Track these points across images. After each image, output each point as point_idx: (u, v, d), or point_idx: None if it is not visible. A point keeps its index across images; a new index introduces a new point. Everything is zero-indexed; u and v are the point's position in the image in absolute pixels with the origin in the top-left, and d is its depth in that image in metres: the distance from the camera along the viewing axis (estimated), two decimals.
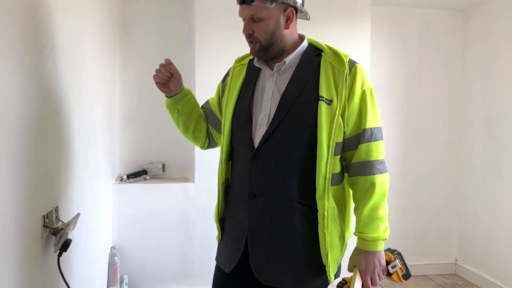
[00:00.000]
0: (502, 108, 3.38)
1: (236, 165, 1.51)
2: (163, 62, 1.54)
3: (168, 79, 1.55)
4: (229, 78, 1.58)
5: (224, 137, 1.51)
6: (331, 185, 1.39)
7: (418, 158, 3.83)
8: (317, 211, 1.39)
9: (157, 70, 1.54)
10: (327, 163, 1.36)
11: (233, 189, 1.51)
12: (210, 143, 1.73)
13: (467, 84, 3.78)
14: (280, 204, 1.40)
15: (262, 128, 1.41)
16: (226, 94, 1.55)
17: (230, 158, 1.54)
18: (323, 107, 1.36)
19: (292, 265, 1.40)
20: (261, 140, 1.40)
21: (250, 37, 1.41)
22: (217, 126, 1.66)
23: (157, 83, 1.56)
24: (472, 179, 3.71)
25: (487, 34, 3.54)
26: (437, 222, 3.88)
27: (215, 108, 1.66)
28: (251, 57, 1.56)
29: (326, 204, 1.37)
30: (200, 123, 1.67)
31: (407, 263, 1.50)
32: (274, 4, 1.37)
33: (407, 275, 1.46)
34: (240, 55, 1.63)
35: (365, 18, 3.32)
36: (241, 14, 1.42)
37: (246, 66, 1.56)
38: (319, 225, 1.39)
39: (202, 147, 1.74)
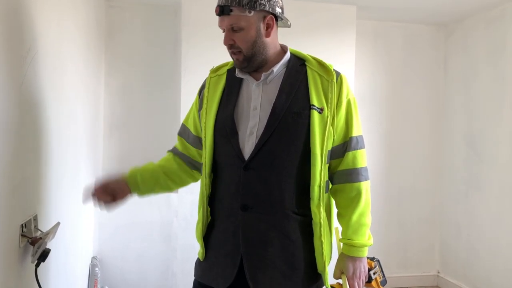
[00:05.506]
0: (482, 122, 3.44)
1: (222, 177, 1.45)
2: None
3: (111, 196, 1.50)
4: (205, 89, 1.53)
5: (206, 150, 1.45)
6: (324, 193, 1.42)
7: (401, 171, 3.87)
8: (311, 219, 1.40)
9: (98, 201, 1.49)
10: (321, 171, 1.38)
11: (220, 203, 1.45)
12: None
13: (449, 97, 3.85)
14: (274, 214, 1.38)
15: (252, 138, 1.39)
16: (204, 106, 1.50)
17: (214, 171, 1.48)
18: (315, 116, 1.38)
19: (288, 275, 1.39)
20: (253, 150, 1.37)
21: (232, 47, 1.40)
22: None
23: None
24: (454, 192, 3.76)
25: (468, 49, 3.62)
26: (419, 234, 3.91)
27: (194, 129, 1.58)
28: (228, 66, 1.54)
29: (322, 212, 1.39)
30: (173, 173, 1.58)
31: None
32: (252, 13, 1.36)
33: (384, 282, 1.53)
34: (215, 66, 1.60)
35: (350, 31, 3.37)
36: (220, 25, 1.40)
37: (224, 76, 1.53)
38: (315, 233, 1.40)
39: (196, 180, 1.66)
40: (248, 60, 1.41)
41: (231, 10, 1.35)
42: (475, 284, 3.48)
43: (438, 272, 3.92)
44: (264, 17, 1.40)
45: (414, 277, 3.87)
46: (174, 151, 1.64)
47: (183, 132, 1.63)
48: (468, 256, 3.56)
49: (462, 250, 3.63)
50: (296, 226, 1.40)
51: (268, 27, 1.41)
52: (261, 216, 1.38)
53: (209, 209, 1.48)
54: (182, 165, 1.61)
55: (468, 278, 3.56)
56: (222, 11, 1.36)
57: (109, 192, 1.51)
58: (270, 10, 1.39)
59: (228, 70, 1.53)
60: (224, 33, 1.41)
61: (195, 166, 1.62)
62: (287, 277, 1.39)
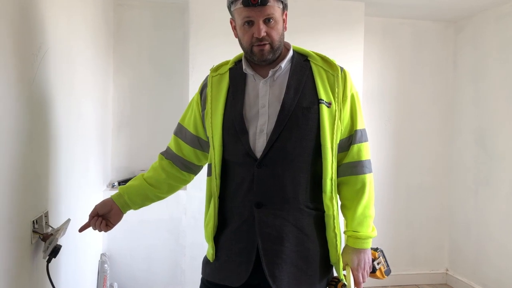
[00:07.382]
0: (492, 119, 3.41)
1: (233, 176, 1.44)
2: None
3: (103, 219, 1.52)
4: (208, 88, 1.50)
5: (215, 151, 1.43)
6: None
7: (409, 168, 3.85)
8: (323, 213, 1.42)
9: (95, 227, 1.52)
10: (332, 164, 1.39)
11: (231, 202, 1.44)
12: (196, 170, 1.66)
13: (458, 94, 3.82)
14: (289, 209, 1.39)
15: (263, 136, 1.39)
16: (209, 106, 1.48)
17: (222, 171, 1.47)
18: (324, 110, 1.39)
19: (304, 269, 1.40)
20: (265, 147, 1.37)
21: (263, 40, 1.37)
22: (204, 147, 1.58)
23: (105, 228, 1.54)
24: (463, 189, 3.73)
25: (478, 46, 3.59)
26: (428, 232, 3.89)
27: (194, 128, 1.57)
28: (229, 65, 1.53)
29: (335, 205, 1.41)
30: (161, 183, 1.60)
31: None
32: (281, 5, 1.39)
33: (388, 271, 1.54)
34: (214, 65, 1.58)
35: (359, 28, 3.35)
36: (252, 16, 1.35)
37: (226, 74, 1.51)
38: (328, 226, 1.42)
39: (187, 183, 1.67)
40: (274, 52, 1.41)
41: (268, 1, 1.34)
42: (484, 282, 3.46)
43: (447, 270, 3.90)
44: (284, 10, 1.42)
45: (423, 275, 3.85)
46: (166, 154, 1.64)
47: (179, 132, 1.62)
48: (477, 254, 3.54)
49: (471, 248, 3.61)
50: (310, 220, 1.41)
51: (284, 22, 1.44)
52: (276, 212, 1.38)
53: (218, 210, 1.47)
54: (171, 172, 1.61)
55: (477, 276, 3.54)
56: (261, 1, 1.33)
57: (104, 218, 1.53)
58: (287, 3, 1.43)
59: (230, 69, 1.52)
60: (250, 25, 1.38)
61: (188, 167, 1.62)
62: (303, 271, 1.40)
